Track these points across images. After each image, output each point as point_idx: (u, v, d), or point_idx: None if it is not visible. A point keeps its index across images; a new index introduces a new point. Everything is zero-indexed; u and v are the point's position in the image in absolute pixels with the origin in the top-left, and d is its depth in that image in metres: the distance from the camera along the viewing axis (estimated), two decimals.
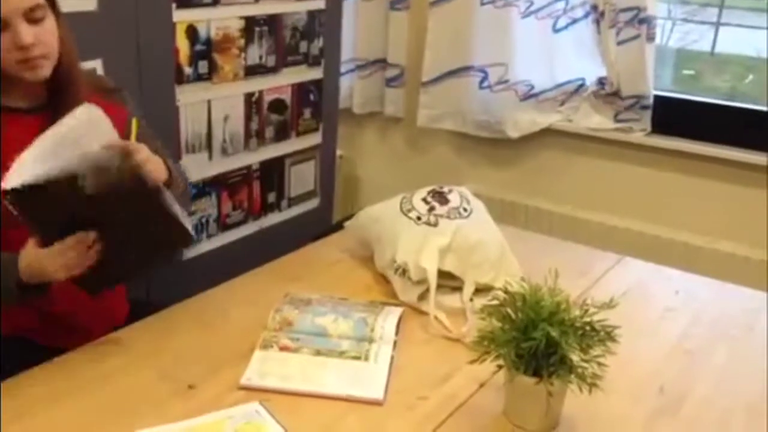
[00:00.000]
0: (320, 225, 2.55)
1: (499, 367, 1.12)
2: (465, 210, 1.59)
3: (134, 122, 1.27)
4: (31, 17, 1.19)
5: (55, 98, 1.27)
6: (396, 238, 1.55)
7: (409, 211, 1.58)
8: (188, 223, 1.23)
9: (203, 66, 2.07)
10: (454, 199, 1.61)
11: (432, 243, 1.50)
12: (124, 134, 1.28)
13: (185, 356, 1.26)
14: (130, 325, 1.37)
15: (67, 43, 1.27)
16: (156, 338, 1.32)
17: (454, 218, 1.56)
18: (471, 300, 1.46)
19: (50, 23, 1.23)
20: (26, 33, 1.17)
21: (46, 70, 1.24)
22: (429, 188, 1.64)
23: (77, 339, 1.29)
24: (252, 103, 2.26)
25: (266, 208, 2.43)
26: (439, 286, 1.46)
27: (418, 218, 1.56)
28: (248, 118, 2.26)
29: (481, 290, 1.47)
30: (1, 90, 1.24)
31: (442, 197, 1.61)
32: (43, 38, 1.21)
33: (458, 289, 1.49)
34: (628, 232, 2.51)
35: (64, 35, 1.26)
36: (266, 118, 2.33)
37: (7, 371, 1.19)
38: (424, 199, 1.60)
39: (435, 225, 1.54)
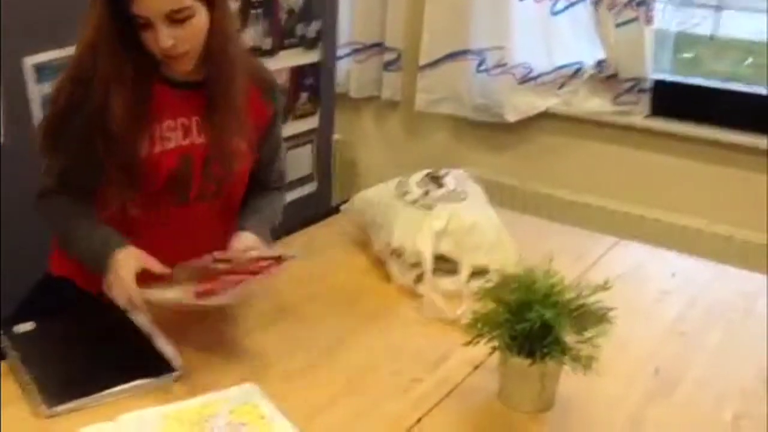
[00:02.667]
0: (317, 209, 2.54)
1: (494, 349, 1.12)
2: (461, 193, 1.58)
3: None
4: (175, 18, 1.20)
5: (210, 78, 1.30)
6: (392, 221, 1.54)
7: (405, 194, 1.58)
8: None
9: None
10: (449, 182, 1.60)
11: (427, 226, 1.50)
12: (260, 134, 1.40)
13: (177, 343, 1.26)
14: None
15: (221, 32, 1.27)
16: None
17: (450, 201, 1.55)
18: (467, 282, 1.45)
19: (199, 20, 1.23)
20: (165, 36, 1.20)
21: (187, 64, 1.27)
22: (425, 171, 1.63)
23: None
24: None
25: None
26: (434, 269, 1.45)
27: (414, 201, 1.55)
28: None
29: (477, 273, 1.47)
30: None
31: (437, 180, 1.60)
32: (184, 37, 1.23)
33: (454, 272, 1.49)
34: (626, 216, 2.50)
35: (219, 25, 1.27)
36: None
37: (47, 310, 1.30)
38: (420, 183, 1.60)
39: (430, 208, 1.53)
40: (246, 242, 1.32)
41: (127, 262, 1.22)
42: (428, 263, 1.45)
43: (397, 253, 1.50)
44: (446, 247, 1.49)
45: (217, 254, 1.25)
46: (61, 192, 1.33)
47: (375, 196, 1.64)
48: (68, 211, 1.33)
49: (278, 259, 1.22)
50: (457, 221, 1.51)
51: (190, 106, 1.32)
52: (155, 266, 1.23)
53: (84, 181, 1.31)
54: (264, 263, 1.22)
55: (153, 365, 1.16)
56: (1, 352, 1.18)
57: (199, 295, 1.16)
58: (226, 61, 1.30)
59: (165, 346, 1.20)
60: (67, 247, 1.36)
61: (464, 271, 1.48)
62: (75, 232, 1.31)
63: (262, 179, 1.49)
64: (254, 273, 1.20)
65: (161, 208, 1.35)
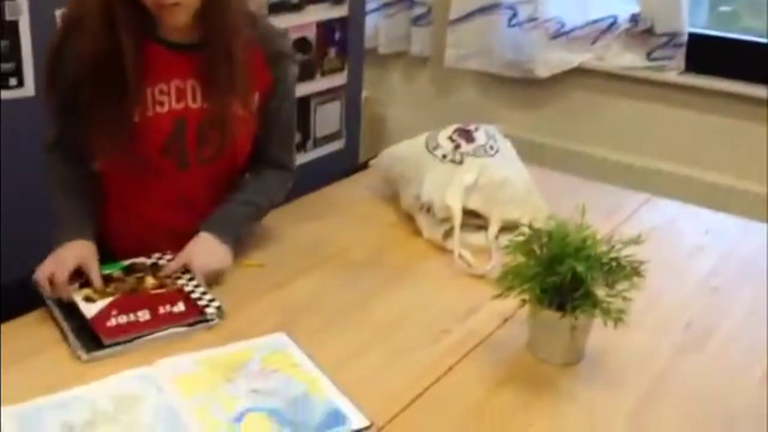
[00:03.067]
0: (345, 166, 2.54)
1: (524, 302, 1.12)
2: (491, 148, 1.57)
3: None
4: None
5: (207, 38, 1.26)
6: (421, 176, 1.54)
7: (435, 149, 1.57)
8: None
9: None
10: (480, 137, 1.58)
11: (457, 181, 1.49)
12: (261, 100, 1.34)
13: (212, 291, 1.28)
14: None
15: None
16: None
17: (480, 156, 1.54)
18: (496, 238, 1.45)
19: None
20: None
21: (179, 17, 1.21)
22: (455, 126, 1.62)
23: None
24: None
25: None
26: (464, 224, 1.45)
27: (444, 156, 1.54)
28: None
29: (506, 228, 1.46)
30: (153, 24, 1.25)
31: (468, 135, 1.59)
32: None
33: (483, 227, 1.49)
34: (659, 174, 2.47)
35: None
36: None
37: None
38: (450, 137, 1.58)
39: (460, 163, 1.52)
40: (194, 259, 1.26)
41: (72, 254, 1.21)
42: (457, 218, 1.45)
43: (427, 208, 1.50)
44: (476, 203, 1.49)
45: (162, 262, 1.26)
46: (60, 146, 1.33)
47: (404, 151, 1.63)
48: (59, 176, 1.34)
49: (200, 313, 1.17)
50: (487, 176, 1.50)
51: (186, 68, 1.27)
52: (93, 275, 1.20)
53: (78, 130, 1.29)
54: (183, 309, 1.18)
55: (189, 313, 1.18)
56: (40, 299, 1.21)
57: (102, 326, 1.12)
58: (224, 19, 1.23)
59: (201, 295, 1.22)
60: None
61: (493, 227, 1.47)
62: (54, 201, 1.32)
63: (261, 153, 1.41)
64: (168, 320, 1.15)
65: (161, 172, 1.32)
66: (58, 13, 1.73)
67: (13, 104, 1.73)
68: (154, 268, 1.28)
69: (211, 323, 1.17)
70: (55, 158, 1.35)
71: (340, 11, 2.43)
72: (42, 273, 1.19)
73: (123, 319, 1.13)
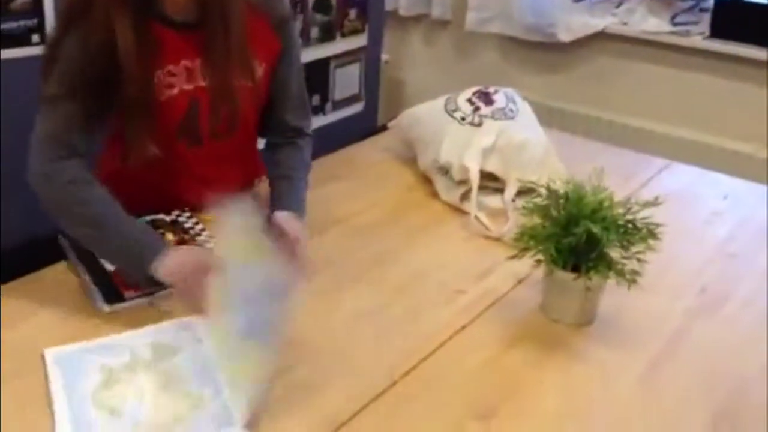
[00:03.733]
0: (364, 129, 2.54)
1: (538, 261, 1.13)
2: (511, 111, 1.56)
3: None
4: None
5: (206, 15, 1.23)
6: (440, 137, 1.54)
7: (454, 111, 1.57)
8: None
9: None
10: (499, 99, 1.58)
11: (476, 143, 1.49)
12: (269, 69, 1.30)
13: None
14: None
15: None
16: None
17: (499, 119, 1.54)
18: (513, 200, 1.46)
19: None
20: None
21: None
22: (474, 89, 1.61)
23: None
24: (296, 1, 2.23)
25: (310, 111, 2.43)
26: (481, 187, 1.46)
27: (463, 118, 1.54)
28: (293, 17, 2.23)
29: (523, 192, 1.47)
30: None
31: (487, 97, 1.58)
32: None
33: (500, 190, 1.49)
34: (680, 140, 2.45)
35: None
36: (311, 17, 2.30)
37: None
38: (469, 100, 1.58)
39: (479, 125, 1.52)
40: (293, 226, 1.19)
41: (186, 263, 1.09)
42: (475, 180, 1.45)
43: (444, 170, 1.50)
44: (493, 165, 1.49)
45: (182, 219, 1.22)
46: (58, 141, 1.16)
47: (423, 113, 1.64)
48: (81, 191, 1.14)
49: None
50: (506, 139, 1.50)
51: (193, 47, 1.24)
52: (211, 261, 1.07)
53: (81, 121, 1.17)
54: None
55: None
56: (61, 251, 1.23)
57: (123, 280, 1.11)
58: None
59: None
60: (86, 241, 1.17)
61: (510, 189, 1.48)
62: (103, 229, 1.13)
63: (280, 122, 1.39)
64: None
65: (173, 151, 1.29)
66: None
67: (35, 60, 1.74)
68: (174, 225, 1.30)
69: None
70: (57, 161, 1.15)
71: None
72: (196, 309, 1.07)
73: None
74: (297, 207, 1.28)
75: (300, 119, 1.42)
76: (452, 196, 1.49)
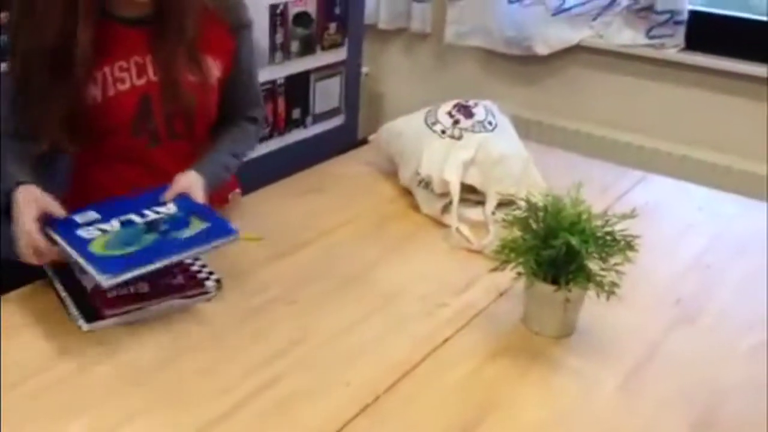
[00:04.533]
0: (344, 142, 2.55)
1: (519, 274, 1.14)
2: (490, 124, 1.58)
3: None
4: None
5: (161, 11, 1.25)
6: (420, 150, 1.55)
7: (434, 124, 1.58)
8: None
9: None
10: (479, 112, 1.60)
11: (456, 156, 1.51)
12: (224, 69, 1.34)
13: (212, 261, 1.30)
14: None
15: None
16: None
17: (479, 132, 1.55)
18: (493, 213, 1.47)
19: None
20: None
21: None
22: (454, 102, 1.63)
23: None
24: (276, 15, 2.24)
25: (291, 124, 2.44)
26: (462, 199, 1.47)
27: (443, 132, 1.56)
28: (273, 31, 2.24)
29: (503, 204, 1.48)
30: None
31: (467, 111, 1.60)
32: None
33: (481, 202, 1.50)
34: (656, 152, 2.48)
35: None
36: (291, 31, 2.31)
37: None
38: (449, 113, 1.60)
39: (459, 138, 1.54)
40: (186, 183, 1.24)
41: (28, 205, 1.12)
42: (455, 194, 1.46)
43: (425, 183, 1.51)
44: (474, 178, 1.51)
45: None
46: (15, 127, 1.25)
47: (403, 126, 1.65)
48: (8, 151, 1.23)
49: (200, 285, 1.18)
50: (486, 152, 1.52)
51: (144, 43, 1.27)
52: (54, 209, 1.14)
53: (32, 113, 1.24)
54: (182, 281, 1.18)
55: (187, 285, 1.20)
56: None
57: (101, 298, 1.11)
58: None
59: (200, 267, 1.24)
60: None
61: (491, 202, 1.49)
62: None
63: (231, 111, 1.42)
64: (168, 292, 1.16)
65: (131, 151, 1.31)
66: None
67: None
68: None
69: (209, 295, 1.19)
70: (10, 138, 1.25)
71: None
72: (22, 249, 1.12)
73: (123, 291, 1.15)
74: (207, 176, 1.28)
75: (252, 109, 1.47)
76: (433, 208, 1.50)
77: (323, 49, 2.45)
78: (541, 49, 2.62)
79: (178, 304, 1.16)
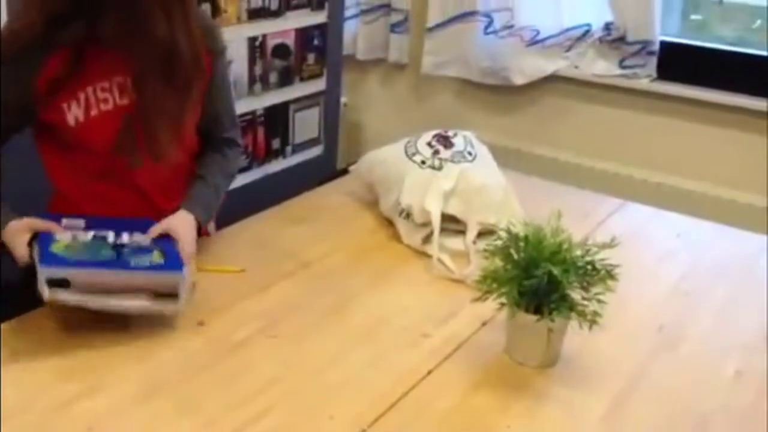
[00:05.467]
0: (324, 172, 2.55)
1: (502, 305, 1.14)
2: (470, 154, 1.59)
3: None
4: None
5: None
6: (400, 181, 1.56)
7: (414, 155, 1.59)
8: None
9: (205, 8, 2.05)
10: (458, 143, 1.61)
11: (436, 186, 1.51)
12: (203, 90, 1.34)
13: (200, 293, 1.28)
14: None
15: None
16: None
17: (459, 162, 1.56)
18: (474, 243, 1.48)
19: None
20: None
21: None
22: (434, 132, 1.64)
23: None
24: (255, 47, 2.25)
25: (270, 155, 2.44)
26: (442, 230, 1.47)
27: (423, 162, 1.57)
28: (252, 63, 2.25)
29: (484, 233, 1.49)
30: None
31: (447, 141, 1.61)
32: None
33: (462, 232, 1.51)
34: (631, 179, 2.51)
35: None
36: (270, 63, 2.32)
37: None
38: (429, 143, 1.61)
39: (439, 168, 1.55)
40: (173, 226, 1.27)
41: (19, 236, 1.19)
42: (436, 223, 1.47)
43: (406, 213, 1.52)
44: (454, 208, 1.51)
45: None
46: None
47: (384, 157, 1.65)
48: None
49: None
50: (466, 181, 1.53)
51: (125, 64, 1.26)
52: (49, 226, 1.20)
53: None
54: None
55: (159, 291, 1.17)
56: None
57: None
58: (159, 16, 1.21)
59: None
60: None
61: (471, 231, 1.50)
62: None
63: (212, 137, 1.44)
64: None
65: (111, 171, 1.32)
66: None
67: None
68: None
69: (178, 305, 1.17)
70: None
71: (319, 18, 2.45)
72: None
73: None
74: (199, 208, 1.34)
75: (228, 130, 1.48)
76: (414, 239, 1.50)
77: (302, 80, 2.47)
78: (517, 79, 2.66)
79: (143, 306, 1.14)
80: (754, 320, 1.31)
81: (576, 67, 2.62)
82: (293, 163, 2.54)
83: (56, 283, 1.10)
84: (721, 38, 2.58)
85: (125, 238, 1.22)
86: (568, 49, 2.62)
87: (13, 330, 1.17)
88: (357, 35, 2.93)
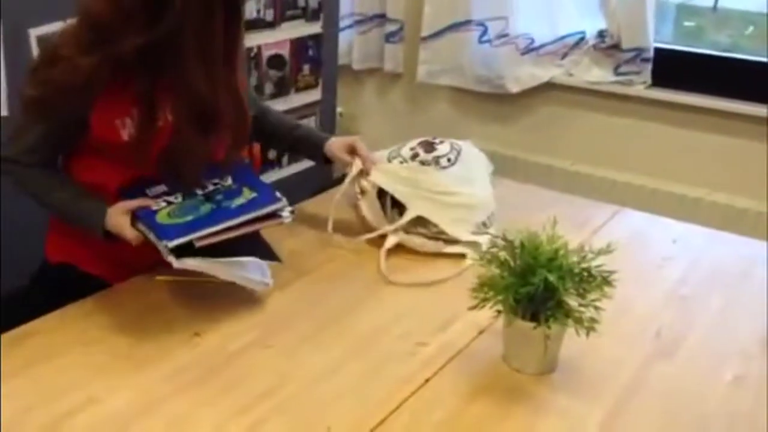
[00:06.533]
0: (320, 182, 2.55)
1: (498, 312, 1.14)
2: (449, 160, 1.58)
3: None
4: None
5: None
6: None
7: (395, 158, 1.59)
8: None
9: None
10: (442, 148, 1.60)
11: (393, 167, 1.55)
12: None
13: (191, 306, 1.28)
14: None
15: None
16: (163, 289, 1.33)
17: (429, 164, 1.56)
18: (407, 232, 1.52)
19: None
20: None
21: None
22: (420, 139, 1.64)
23: (122, 272, 1.36)
24: (251, 58, 2.25)
25: (267, 165, 2.44)
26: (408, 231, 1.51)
27: (400, 163, 1.57)
28: (248, 74, 2.25)
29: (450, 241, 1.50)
30: None
31: (430, 146, 1.61)
32: None
33: (424, 235, 1.52)
34: (628, 186, 2.51)
35: None
36: (265, 73, 2.32)
37: (49, 296, 1.29)
38: (412, 148, 1.61)
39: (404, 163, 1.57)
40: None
41: (121, 219, 1.23)
42: (372, 188, 1.52)
43: (361, 191, 1.55)
44: (401, 193, 1.53)
45: None
46: (29, 165, 1.29)
47: None
48: (45, 182, 1.31)
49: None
50: (425, 177, 1.54)
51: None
52: (139, 203, 1.25)
53: (56, 152, 1.32)
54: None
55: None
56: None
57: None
58: None
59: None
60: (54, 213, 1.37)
61: (406, 216, 1.52)
62: (58, 206, 1.32)
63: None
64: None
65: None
66: (32, 31, 1.73)
67: None
68: None
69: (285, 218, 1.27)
70: (28, 173, 1.31)
71: (313, 28, 2.45)
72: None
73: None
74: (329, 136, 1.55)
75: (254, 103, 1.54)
76: (375, 213, 1.53)
77: (297, 90, 2.47)
78: (513, 87, 2.66)
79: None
80: (752, 325, 1.30)
81: (571, 74, 2.62)
82: (289, 173, 2.54)
83: (181, 251, 1.16)
84: (715, 44, 2.59)
85: (210, 186, 1.29)
86: (563, 56, 2.63)
87: (12, 341, 1.16)
88: (352, 45, 2.93)
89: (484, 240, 1.46)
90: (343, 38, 2.82)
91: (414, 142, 1.62)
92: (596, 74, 2.58)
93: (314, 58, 2.49)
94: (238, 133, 1.35)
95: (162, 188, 1.29)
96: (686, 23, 2.70)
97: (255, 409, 1.04)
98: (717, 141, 2.44)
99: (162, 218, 1.22)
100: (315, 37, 2.46)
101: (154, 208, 1.24)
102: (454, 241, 1.52)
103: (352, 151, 1.56)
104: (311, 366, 1.14)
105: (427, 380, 1.12)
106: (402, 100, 3.01)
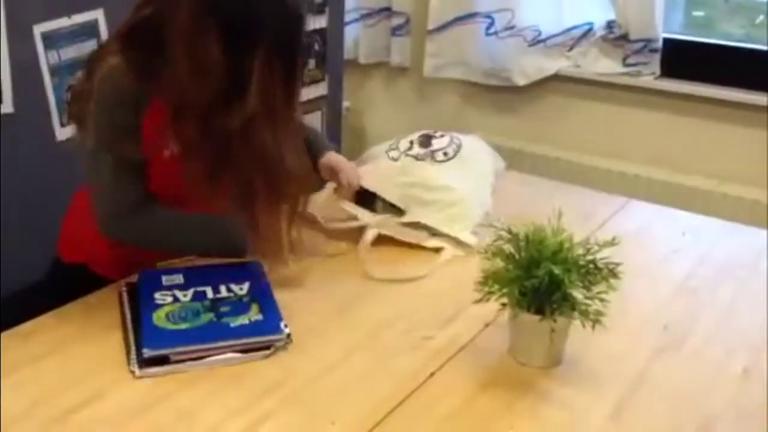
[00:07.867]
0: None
1: (503, 305, 1.13)
2: (445, 154, 1.57)
3: None
4: None
5: None
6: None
7: (391, 150, 1.59)
8: None
9: None
10: (439, 142, 1.59)
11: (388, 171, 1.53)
12: None
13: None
14: None
15: None
16: None
17: (423, 159, 1.55)
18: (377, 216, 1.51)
19: None
20: None
21: None
22: (422, 132, 1.63)
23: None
24: None
25: None
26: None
27: (394, 159, 1.56)
28: None
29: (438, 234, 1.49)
30: None
31: (428, 140, 1.60)
32: None
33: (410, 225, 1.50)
34: (636, 178, 2.49)
35: None
36: None
37: (63, 297, 1.27)
38: (410, 141, 1.60)
39: (396, 160, 1.56)
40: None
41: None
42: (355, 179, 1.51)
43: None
44: (396, 192, 1.51)
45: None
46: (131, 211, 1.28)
47: (369, 155, 1.65)
48: (164, 220, 1.31)
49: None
50: (418, 172, 1.52)
51: None
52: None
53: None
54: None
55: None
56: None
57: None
58: None
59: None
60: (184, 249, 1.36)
61: (380, 202, 1.53)
62: (189, 237, 1.33)
63: None
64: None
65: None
66: (36, 28, 1.74)
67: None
68: None
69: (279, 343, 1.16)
70: (142, 217, 1.30)
71: (319, 22, 2.44)
72: None
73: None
74: (330, 146, 1.53)
75: None
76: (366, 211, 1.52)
77: (303, 85, 2.45)
78: (520, 80, 2.65)
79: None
80: (762, 318, 1.29)
81: (578, 66, 2.60)
82: None
83: (153, 361, 1.10)
84: (725, 34, 2.56)
85: (223, 291, 1.24)
86: (571, 48, 2.61)
87: (12, 339, 1.16)
88: (358, 39, 2.92)
89: (473, 240, 1.46)
90: (349, 32, 2.81)
91: (414, 136, 1.61)
92: (604, 65, 2.55)
93: (320, 53, 2.48)
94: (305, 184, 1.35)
95: (179, 279, 1.26)
96: (695, 13, 2.67)
97: (260, 402, 1.04)
98: (727, 131, 2.41)
99: (158, 319, 1.16)
100: (321, 31, 2.46)
101: (159, 302, 1.20)
102: (437, 234, 1.50)
103: (335, 174, 1.50)
104: (316, 360, 1.14)
105: (432, 374, 1.12)
106: (409, 93, 3.00)
